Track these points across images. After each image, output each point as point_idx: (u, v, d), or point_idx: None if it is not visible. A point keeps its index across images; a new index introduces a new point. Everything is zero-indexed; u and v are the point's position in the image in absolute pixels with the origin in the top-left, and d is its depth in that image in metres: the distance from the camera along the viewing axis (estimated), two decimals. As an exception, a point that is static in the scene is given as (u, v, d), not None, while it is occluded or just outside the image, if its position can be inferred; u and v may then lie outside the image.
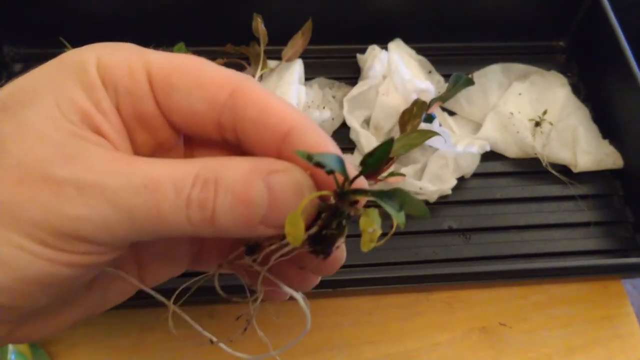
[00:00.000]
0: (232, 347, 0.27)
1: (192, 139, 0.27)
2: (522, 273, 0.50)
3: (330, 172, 0.21)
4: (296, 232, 0.22)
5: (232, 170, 0.22)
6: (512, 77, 0.62)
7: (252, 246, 0.24)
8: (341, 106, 0.57)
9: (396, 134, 0.55)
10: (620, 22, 0.58)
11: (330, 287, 0.47)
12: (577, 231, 0.55)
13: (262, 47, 0.55)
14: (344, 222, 0.23)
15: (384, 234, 0.22)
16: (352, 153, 0.56)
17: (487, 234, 0.53)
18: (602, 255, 0.54)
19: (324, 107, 0.57)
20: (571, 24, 0.65)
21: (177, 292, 0.26)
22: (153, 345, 0.47)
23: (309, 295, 0.49)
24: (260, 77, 0.56)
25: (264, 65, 0.56)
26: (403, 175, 0.52)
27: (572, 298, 0.52)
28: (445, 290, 0.51)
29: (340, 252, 0.26)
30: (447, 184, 0.54)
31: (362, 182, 0.24)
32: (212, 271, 0.27)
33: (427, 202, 0.54)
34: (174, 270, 0.29)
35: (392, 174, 0.52)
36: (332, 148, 0.24)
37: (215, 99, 0.23)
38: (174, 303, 0.26)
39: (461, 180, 0.56)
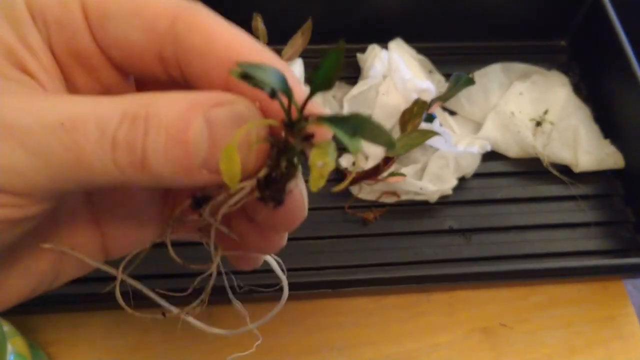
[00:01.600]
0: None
1: (145, 82, 0.24)
2: (523, 273, 0.49)
3: (272, 94, 0.18)
4: (231, 170, 0.18)
5: (166, 105, 0.18)
6: (513, 76, 0.62)
7: (199, 198, 0.21)
8: (341, 106, 0.57)
9: (397, 133, 0.55)
10: (622, 21, 0.58)
11: (330, 288, 0.47)
12: (578, 231, 0.55)
13: (262, 47, 0.55)
14: (295, 159, 0.20)
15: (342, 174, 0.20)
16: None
17: (488, 234, 0.53)
18: (603, 256, 0.54)
19: (323, 107, 0.57)
20: (572, 23, 0.65)
21: (126, 260, 0.23)
22: (153, 345, 0.47)
23: (308, 296, 0.50)
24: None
25: (264, 65, 0.56)
26: (403, 175, 0.52)
27: (573, 298, 0.52)
28: (445, 290, 0.51)
29: (296, 200, 0.22)
30: (447, 184, 0.54)
31: (317, 109, 0.20)
32: (163, 235, 0.23)
33: (427, 202, 0.54)
34: (142, 237, 0.25)
35: (392, 174, 0.52)
36: (284, 68, 0.20)
37: (155, 27, 0.20)
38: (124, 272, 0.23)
39: (462, 180, 0.55)
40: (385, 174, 0.52)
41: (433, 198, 0.54)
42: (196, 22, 0.21)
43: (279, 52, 0.57)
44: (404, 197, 0.54)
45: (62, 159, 0.18)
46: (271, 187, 0.20)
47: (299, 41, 0.57)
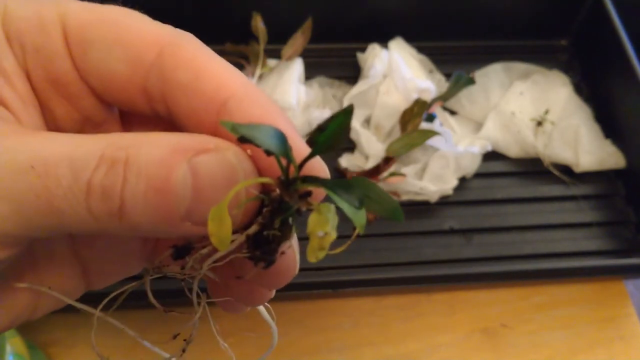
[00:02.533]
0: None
1: (130, 114, 0.22)
2: (523, 274, 0.49)
3: (268, 152, 0.16)
4: (221, 232, 0.17)
5: (148, 149, 0.17)
6: (513, 76, 0.62)
7: (181, 248, 0.19)
8: (341, 105, 0.57)
9: (397, 133, 0.55)
10: (623, 21, 0.58)
11: (331, 288, 0.47)
12: (578, 232, 0.54)
13: (262, 46, 0.55)
14: (290, 220, 0.18)
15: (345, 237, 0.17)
16: (352, 153, 0.56)
17: (489, 235, 0.53)
18: (604, 256, 0.53)
19: (324, 107, 0.57)
20: (573, 23, 0.64)
21: (105, 300, 0.21)
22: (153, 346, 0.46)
23: (308, 296, 0.49)
24: (260, 76, 0.55)
25: (264, 64, 0.55)
26: (404, 175, 0.52)
27: (574, 299, 0.52)
28: (446, 291, 0.51)
29: (288, 259, 0.20)
30: (448, 184, 0.53)
31: (317, 167, 0.18)
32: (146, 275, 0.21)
33: (428, 203, 0.54)
34: (125, 270, 0.23)
35: (392, 174, 0.52)
36: (281, 122, 0.18)
37: (140, 58, 0.19)
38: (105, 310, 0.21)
39: (462, 180, 0.55)
40: (385, 174, 0.52)
41: (433, 198, 0.54)
42: (184, 55, 0.19)
43: (278, 52, 0.57)
44: (404, 197, 0.53)
45: (32, 206, 0.16)
46: (262, 247, 0.18)
47: (299, 40, 0.57)
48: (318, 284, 0.46)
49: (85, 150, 0.17)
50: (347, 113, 0.16)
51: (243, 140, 0.16)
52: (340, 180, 0.17)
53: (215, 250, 0.18)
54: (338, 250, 0.18)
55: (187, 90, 0.19)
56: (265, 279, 0.21)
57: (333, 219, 0.17)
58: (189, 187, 0.17)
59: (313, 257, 0.17)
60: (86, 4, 0.19)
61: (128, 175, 0.17)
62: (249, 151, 0.18)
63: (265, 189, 0.18)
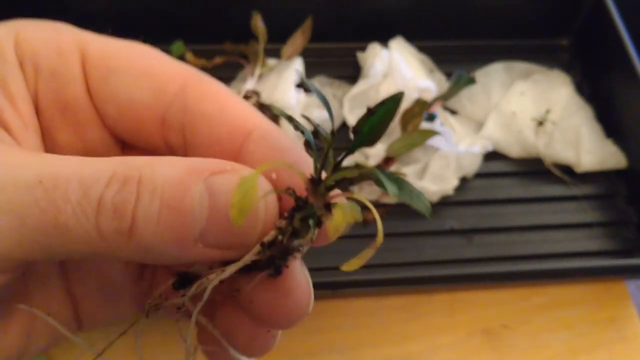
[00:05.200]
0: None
1: (134, 148, 0.22)
2: (524, 274, 0.49)
3: (308, 144, 0.17)
4: (243, 202, 0.16)
5: (163, 168, 0.16)
6: (514, 75, 0.61)
7: (184, 276, 0.18)
8: (341, 105, 0.57)
9: (397, 133, 0.55)
10: (624, 20, 0.57)
11: (331, 289, 0.46)
12: (580, 232, 0.54)
13: (262, 45, 0.55)
14: (310, 221, 0.18)
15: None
16: (352, 153, 0.55)
17: (490, 235, 0.53)
18: (606, 256, 0.53)
19: (324, 107, 0.57)
20: (574, 23, 0.64)
21: (102, 350, 0.20)
22: (153, 347, 0.46)
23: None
24: (260, 76, 0.55)
25: (263, 64, 0.55)
26: (404, 175, 0.52)
27: (575, 300, 0.51)
28: (446, 291, 0.51)
29: (299, 285, 0.19)
30: (449, 184, 0.53)
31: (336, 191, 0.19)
32: (138, 316, 0.20)
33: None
34: (116, 311, 0.22)
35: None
36: (302, 152, 0.19)
37: (163, 89, 0.19)
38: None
39: (463, 180, 0.55)
40: (385, 174, 0.51)
41: (434, 198, 0.53)
42: (209, 89, 0.19)
43: (278, 51, 0.57)
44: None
45: (36, 221, 0.15)
46: (275, 249, 0.18)
47: (298, 39, 0.56)
48: (318, 284, 0.46)
49: (97, 168, 0.16)
50: (395, 100, 0.16)
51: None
52: (383, 171, 0.17)
53: (221, 271, 0.17)
54: (353, 265, 0.19)
55: (212, 120, 0.19)
56: (275, 308, 0.19)
57: (357, 214, 0.18)
58: (206, 207, 0.16)
59: (334, 233, 0.18)
60: (104, 37, 0.20)
61: (142, 193, 0.16)
62: (274, 175, 0.18)
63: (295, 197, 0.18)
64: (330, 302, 0.49)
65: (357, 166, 0.18)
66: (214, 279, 0.17)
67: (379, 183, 0.17)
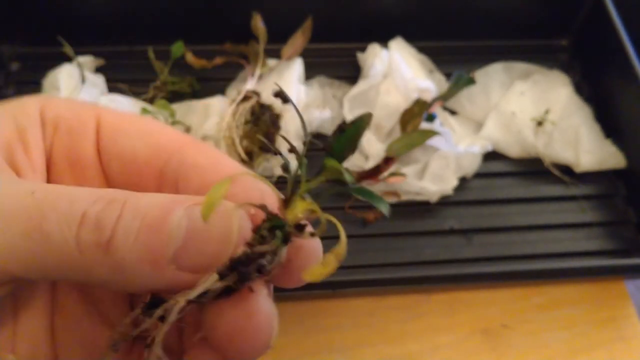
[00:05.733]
0: None
1: None
2: (524, 274, 0.49)
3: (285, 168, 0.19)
4: (212, 197, 0.17)
5: (149, 197, 0.18)
6: (514, 76, 0.62)
7: (156, 300, 0.18)
8: (341, 105, 0.57)
9: (397, 133, 0.55)
10: (623, 21, 0.58)
11: (331, 289, 0.46)
12: (579, 232, 0.54)
13: (262, 46, 0.55)
14: (278, 234, 0.18)
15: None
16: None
17: (489, 235, 0.53)
18: (605, 256, 0.53)
19: (324, 107, 0.57)
20: (574, 23, 0.64)
21: None
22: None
23: (308, 296, 0.49)
24: (260, 76, 0.55)
25: (263, 64, 0.55)
26: (404, 175, 0.52)
27: (574, 299, 0.52)
28: (446, 291, 0.51)
29: (260, 305, 0.18)
30: (448, 184, 0.53)
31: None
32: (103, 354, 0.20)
33: (428, 203, 0.54)
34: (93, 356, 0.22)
35: (392, 174, 0.51)
36: (271, 198, 0.20)
37: (164, 147, 0.22)
38: None
39: (463, 180, 0.55)
40: (385, 174, 0.51)
41: (434, 198, 0.53)
42: (204, 148, 0.22)
43: (278, 51, 0.57)
44: (404, 198, 0.53)
45: (22, 227, 0.17)
46: (242, 264, 0.18)
47: (299, 40, 0.57)
48: (318, 284, 0.46)
49: (88, 191, 0.18)
50: (364, 120, 0.18)
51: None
52: (352, 186, 0.19)
53: (187, 292, 0.18)
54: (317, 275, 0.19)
55: (204, 171, 0.21)
56: (236, 337, 0.18)
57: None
58: (183, 229, 0.17)
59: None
60: (120, 111, 0.23)
61: (125, 212, 0.17)
62: (252, 210, 0.19)
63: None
64: (330, 301, 0.50)
65: (331, 184, 0.19)
66: (180, 301, 0.17)
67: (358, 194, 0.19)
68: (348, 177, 0.19)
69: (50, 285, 0.22)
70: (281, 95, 0.19)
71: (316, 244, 0.20)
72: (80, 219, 0.17)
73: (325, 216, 0.19)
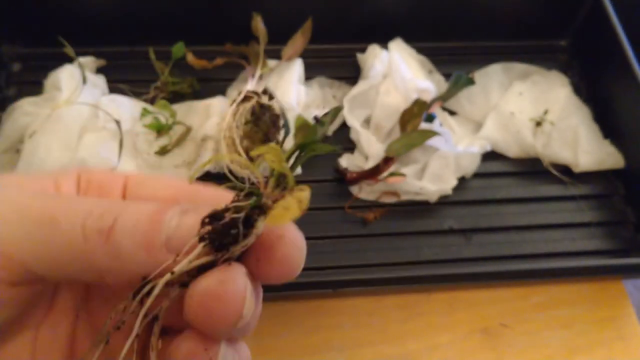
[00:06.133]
0: None
1: None
2: (523, 274, 0.49)
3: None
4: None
5: (147, 203, 0.21)
6: (513, 76, 0.62)
7: (143, 285, 0.20)
8: (341, 106, 0.57)
9: (397, 133, 0.55)
10: (622, 22, 0.58)
11: (331, 288, 0.47)
12: (578, 231, 0.54)
13: (262, 47, 0.55)
14: (253, 200, 0.20)
15: None
16: (352, 153, 0.56)
17: (488, 234, 0.53)
18: (603, 256, 0.54)
19: (324, 107, 0.57)
20: (573, 24, 0.65)
21: None
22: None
23: (308, 296, 0.49)
24: (260, 77, 0.55)
25: (264, 65, 0.56)
26: (403, 175, 0.52)
27: (573, 299, 0.52)
28: (446, 291, 0.51)
29: (231, 279, 0.19)
30: (447, 184, 0.54)
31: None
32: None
33: (427, 203, 0.54)
34: None
35: (392, 174, 0.52)
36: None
37: (181, 187, 0.24)
38: None
39: (462, 180, 0.55)
40: (385, 174, 0.52)
41: (433, 198, 0.54)
42: (216, 191, 0.25)
43: (279, 52, 0.57)
44: (404, 197, 0.54)
45: (35, 214, 0.19)
46: (222, 235, 0.19)
47: (299, 41, 0.57)
48: (318, 283, 0.47)
49: (95, 198, 0.21)
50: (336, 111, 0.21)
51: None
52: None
53: (174, 282, 0.19)
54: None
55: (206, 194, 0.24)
56: (206, 300, 0.19)
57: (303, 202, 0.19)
58: (175, 221, 0.20)
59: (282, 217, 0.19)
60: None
61: (126, 209, 0.20)
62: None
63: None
64: (330, 301, 0.50)
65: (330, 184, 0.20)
66: (165, 278, 0.19)
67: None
68: (319, 128, 0.20)
69: (73, 292, 0.23)
70: (267, 92, 0.20)
71: (297, 232, 0.21)
72: (87, 212, 0.19)
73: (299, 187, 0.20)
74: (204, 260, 0.19)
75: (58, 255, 0.19)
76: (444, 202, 0.54)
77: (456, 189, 0.54)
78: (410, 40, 0.61)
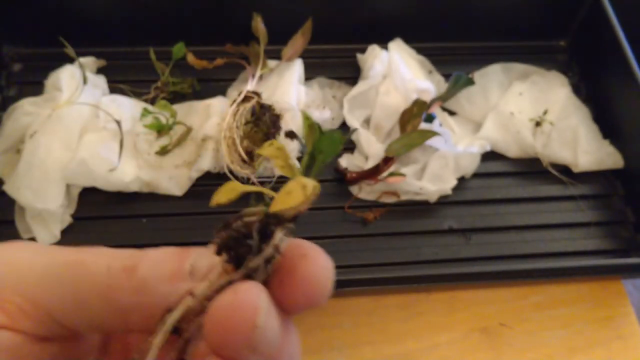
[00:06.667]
0: None
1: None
2: (522, 273, 0.49)
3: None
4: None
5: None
6: (512, 76, 0.62)
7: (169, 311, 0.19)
8: (341, 106, 0.57)
9: (396, 133, 0.55)
10: (621, 22, 0.58)
11: (331, 288, 0.47)
12: (577, 231, 0.55)
13: (262, 47, 0.55)
14: (265, 209, 0.19)
15: None
16: (352, 153, 0.56)
17: (488, 234, 0.53)
18: (603, 256, 0.54)
19: (324, 107, 0.57)
20: (572, 24, 0.65)
21: None
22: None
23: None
24: (260, 77, 0.56)
25: (264, 65, 0.56)
26: (403, 175, 0.52)
27: (572, 298, 0.52)
28: (445, 290, 0.51)
29: (247, 290, 0.18)
30: (447, 184, 0.54)
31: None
32: None
33: (427, 202, 0.54)
34: None
35: (392, 174, 0.52)
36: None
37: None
38: None
39: (461, 180, 0.55)
40: (385, 174, 0.52)
41: (433, 198, 0.54)
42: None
43: (279, 52, 0.57)
44: (403, 197, 0.54)
45: (62, 259, 0.20)
46: (235, 247, 0.19)
47: (299, 41, 0.57)
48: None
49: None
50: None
51: None
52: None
53: (197, 311, 0.19)
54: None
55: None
56: (223, 319, 0.18)
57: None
58: (199, 250, 0.20)
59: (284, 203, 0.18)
60: None
61: (150, 252, 0.20)
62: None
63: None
64: (329, 300, 0.49)
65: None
66: (186, 301, 0.19)
67: None
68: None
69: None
70: (292, 135, 0.20)
71: (321, 251, 0.20)
72: (112, 256, 0.20)
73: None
74: (224, 281, 0.19)
75: (83, 296, 0.20)
76: (443, 202, 0.54)
77: (456, 188, 0.54)
78: (410, 40, 0.61)
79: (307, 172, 0.20)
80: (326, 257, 0.20)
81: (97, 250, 0.20)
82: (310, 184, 0.18)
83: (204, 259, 0.20)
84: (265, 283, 0.19)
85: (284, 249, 0.19)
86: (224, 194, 0.20)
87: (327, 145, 0.20)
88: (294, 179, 0.19)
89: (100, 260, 0.20)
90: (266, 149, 0.20)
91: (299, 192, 0.18)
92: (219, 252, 0.19)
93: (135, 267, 0.19)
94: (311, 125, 0.20)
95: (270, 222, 0.19)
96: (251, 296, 0.18)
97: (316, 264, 0.19)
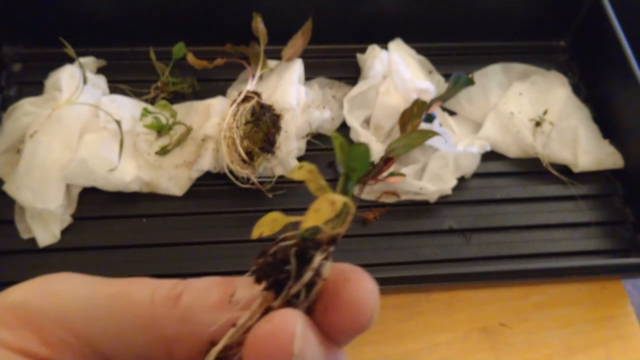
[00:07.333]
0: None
1: None
2: (522, 273, 0.50)
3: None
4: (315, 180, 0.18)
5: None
6: (512, 77, 0.62)
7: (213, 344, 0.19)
8: (341, 106, 0.57)
9: (396, 133, 0.55)
10: (621, 22, 0.58)
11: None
12: (577, 231, 0.55)
13: (262, 47, 0.55)
14: (302, 235, 0.18)
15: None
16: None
17: (488, 234, 0.53)
18: (603, 256, 0.54)
19: (324, 107, 0.57)
20: (572, 24, 0.65)
21: None
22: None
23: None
24: (260, 77, 0.56)
25: (264, 65, 0.56)
26: (403, 175, 0.52)
27: (572, 298, 0.52)
28: (445, 290, 0.51)
29: (283, 319, 0.18)
30: (447, 184, 0.54)
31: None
32: None
33: (427, 202, 0.54)
34: None
35: (392, 174, 0.52)
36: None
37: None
38: None
39: (461, 180, 0.55)
40: (385, 174, 0.52)
41: (433, 198, 0.54)
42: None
43: (279, 52, 0.57)
44: (403, 197, 0.54)
45: (110, 291, 0.20)
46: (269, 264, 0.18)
47: (299, 41, 0.57)
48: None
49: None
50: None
51: None
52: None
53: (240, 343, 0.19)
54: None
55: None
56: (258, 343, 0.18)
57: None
58: (244, 278, 0.19)
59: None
60: None
61: (194, 280, 0.20)
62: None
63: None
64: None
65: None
66: (230, 333, 0.18)
67: None
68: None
69: None
70: (331, 165, 0.18)
71: (365, 275, 0.19)
72: (156, 285, 0.20)
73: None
74: (263, 309, 0.18)
75: (127, 327, 0.19)
76: (443, 202, 0.54)
77: (456, 188, 0.54)
78: (410, 40, 0.61)
79: (344, 192, 0.20)
80: (370, 280, 0.19)
81: (140, 280, 0.20)
82: (339, 199, 0.18)
83: (247, 288, 0.19)
84: (310, 311, 0.19)
85: (327, 273, 0.19)
86: (267, 226, 0.19)
87: (358, 161, 0.19)
88: (322, 196, 0.18)
89: (144, 291, 0.20)
90: (296, 173, 0.19)
91: (327, 208, 0.18)
92: (258, 280, 0.18)
93: (179, 296, 0.19)
94: (342, 145, 0.19)
95: (308, 246, 0.18)
96: (287, 323, 0.17)
97: (360, 288, 0.19)
